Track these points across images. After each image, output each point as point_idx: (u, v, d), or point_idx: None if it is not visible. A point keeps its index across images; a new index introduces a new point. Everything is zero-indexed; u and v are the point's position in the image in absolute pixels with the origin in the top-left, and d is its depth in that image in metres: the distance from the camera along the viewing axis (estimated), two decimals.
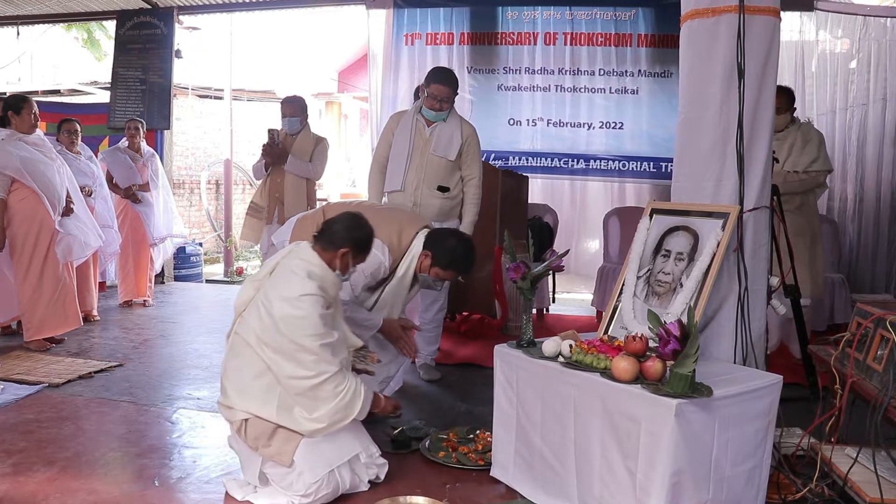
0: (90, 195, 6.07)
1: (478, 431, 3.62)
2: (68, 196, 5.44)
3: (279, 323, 2.84)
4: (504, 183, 5.95)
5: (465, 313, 6.19)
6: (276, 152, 5.53)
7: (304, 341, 2.82)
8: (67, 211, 5.39)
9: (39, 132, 5.37)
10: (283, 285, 2.92)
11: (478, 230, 4.83)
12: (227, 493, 3.03)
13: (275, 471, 2.92)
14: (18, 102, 5.25)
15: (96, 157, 6.70)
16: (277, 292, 2.90)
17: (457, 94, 4.64)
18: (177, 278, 8.85)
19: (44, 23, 9.47)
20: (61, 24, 10.20)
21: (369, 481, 3.06)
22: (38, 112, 5.31)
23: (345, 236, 3.03)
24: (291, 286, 2.89)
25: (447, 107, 4.57)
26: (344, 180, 16.11)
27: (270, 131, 5.59)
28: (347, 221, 3.09)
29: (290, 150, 5.56)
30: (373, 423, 3.80)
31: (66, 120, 6.41)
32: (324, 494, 2.88)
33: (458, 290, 5.27)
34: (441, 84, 4.54)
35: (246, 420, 2.91)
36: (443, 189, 4.58)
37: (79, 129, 6.40)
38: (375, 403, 3.07)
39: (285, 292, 2.88)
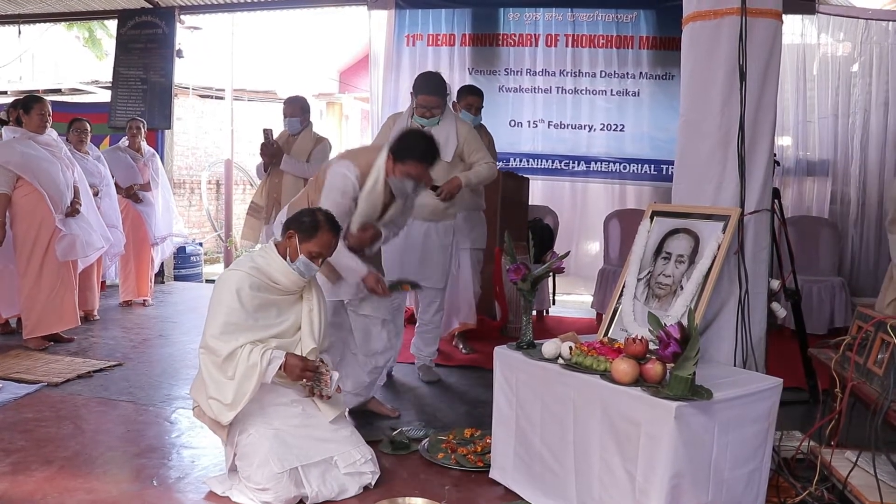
0: (97, 195, 6.07)
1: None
2: (76, 196, 5.44)
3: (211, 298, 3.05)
4: (505, 184, 5.95)
5: None
6: (270, 151, 5.53)
7: (209, 318, 2.98)
8: (73, 211, 5.39)
9: (53, 132, 5.39)
10: None
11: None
12: (209, 490, 3.04)
13: (241, 462, 2.95)
14: (29, 102, 5.32)
15: None
16: None
17: (448, 95, 4.60)
18: (177, 278, 8.85)
19: (45, 21, 9.46)
20: (62, 23, 10.20)
21: (363, 488, 3.05)
22: (49, 112, 5.35)
23: (290, 221, 3.16)
24: (231, 266, 3.13)
25: (438, 113, 4.52)
26: None
27: (265, 131, 5.60)
28: (298, 212, 3.22)
29: (291, 151, 5.56)
30: (371, 425, 3.82)
31: (77, 119, 6.43)
32: (283, 492, 2.86)
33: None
34: (429, 95, 4.48)
35: (200, 406, 3.09)
36: (437, 188, 4.54)
37: (89, 129, 6.40)
38: (288, 368, 2.97)
39: (224, 271, 3.12)
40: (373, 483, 3.06)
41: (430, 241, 4.56)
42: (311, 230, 3.07)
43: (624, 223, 6.79)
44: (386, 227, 3.76)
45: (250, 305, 2.98)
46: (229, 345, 2.89)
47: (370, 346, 3.90)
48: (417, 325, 4.83)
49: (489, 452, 3.22)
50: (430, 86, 4.54)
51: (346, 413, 3.29)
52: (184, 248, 8.94)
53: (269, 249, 3.13)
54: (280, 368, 2.93)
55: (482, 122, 5.37)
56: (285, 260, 3.07)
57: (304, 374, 2.97)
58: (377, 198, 3.63)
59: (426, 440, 3.55)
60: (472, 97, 5.24)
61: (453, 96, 7.29)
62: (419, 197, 4.49)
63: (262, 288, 3.03)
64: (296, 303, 3.18)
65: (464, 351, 5.41)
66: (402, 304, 4.55)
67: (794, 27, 7.03)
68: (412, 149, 3.56)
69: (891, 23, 6.83)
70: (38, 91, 11.22)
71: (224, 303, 2.96)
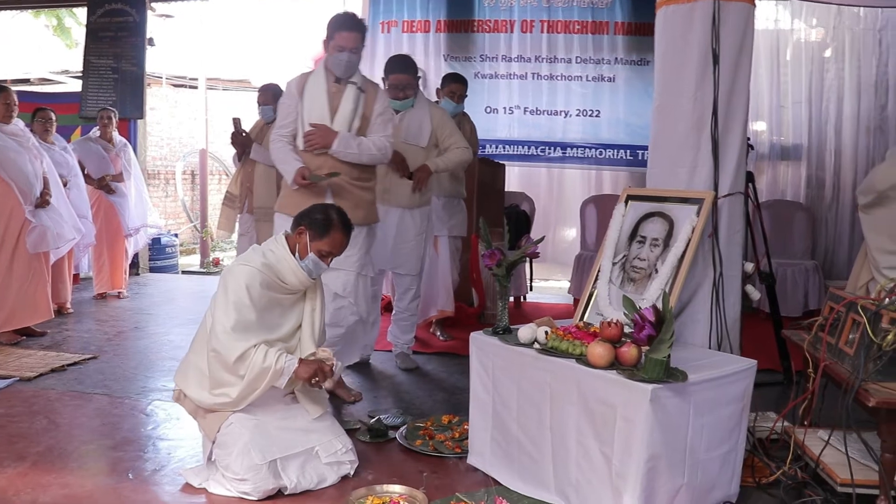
0: (65, 185, 5.99)
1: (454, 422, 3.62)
2: (45, 187, 5.36)
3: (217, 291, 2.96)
4: (481, 171, 5.93)
5: None
6: (240, 141, 5.50)
7: (219, 314, 2.88)
8: (43, 202, 5.32)
9: (20, 122, 5.31)
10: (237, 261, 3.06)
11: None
12: (186, 482, 3.00)
13: (220, 451, 2.90)
14: None
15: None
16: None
17: (419, 77, 4.56)
18: (152, 269, 8.77)
19: (11, 9, 9.31)
20: (30, 11, 10.03)
21: (341, 477, 3.02)
22: (15, 102, 5.27)
23: (302, 216, 3.08)
24: (240, 260, 3.02)
25: (410, 93, 4.50)
26: None
27: (234, 120, 5.56)
28: (310, 207, 3.15)
29: (265, 139, 5.50)
30: (339, 412, 3.82)
31: (39, 109, 6.31)
32: (262, 483, 2.82)
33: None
34: (399, 73, 4.47)
35: (182, 391, 3.06)
36: (412, 175, 4.52)
37: (53, 118, 6.28)
38: (299, 376, 2.91)
39: (233, 264, 3.01)
40: (351, 473, 3.05)
41: (404, 227, 4.54)
42: (323, 228, 3.01)
43: (600, 208, 6.81)
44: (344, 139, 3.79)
45: (259, 304, 2.92)
46: (241, 344, 2.83)
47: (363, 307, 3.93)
48: (394, 312, 4.82)
49: (467, 439, 3.22)
50: (400, 65, 4.53)
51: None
52: (159, 239, 8.86)
53: (279, 245, 3.04)
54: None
55: (465, 111, 5.34)
56: (294, 256, 3.02)
57: (317, 376, 2.92)
58: (320, 87, 3.82)
59: (404, 427, 3.54)
60: (454, 85, 5.21)
61: (429, 81, 7.29)
62: (395, 185, 4.46)
63: (271, 286, 2.97)
64: (297, 302, 3.12)
65: (441, 338, 5.41)
66: (377, 292, 4.55)
67: (768, 12, 7.08)
68: (333, 23, 3.78)
69: (862, 8, 6.87)
70: (5, 81, 11.04)
71: (234, 299, 2.87)
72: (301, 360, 2.93)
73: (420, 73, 4.60)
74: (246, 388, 2.86)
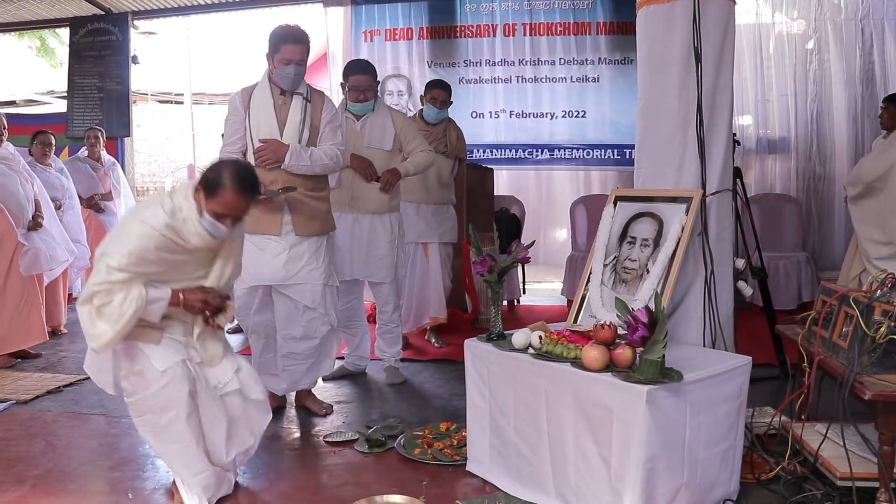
0: (59, 208, 5.97)
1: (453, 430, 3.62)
2: (37, 209, 5.35)
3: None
4: (469, 176, 5.94)
5: None
6: None
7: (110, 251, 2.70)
8: (35, 225, 5.30)
9: (10, 146, 5.29)
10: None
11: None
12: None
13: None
14: None
15: None
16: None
17: (378, 81, 4.53)
18: None
19: None
20: (12, 33, 10.00)
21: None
22: (4, 125, 5.24)
23: (202, 175, 2.82)
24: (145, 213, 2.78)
25: (371, 95, 4.43)
26: None
27: (223, 136, 5.55)
28: (209, 165, 2.86)
29: None
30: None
31: (40, 132, 6.28)
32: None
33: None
34: (359, 74, 4.41)
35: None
36: (379, 178, 4.45)
37: (52, 142, 6.26)
38: (187, 305, 2.82)
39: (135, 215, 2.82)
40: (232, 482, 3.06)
41: (375, 234, 4.47)
42: (213, 187, 2.72)
43: (590, 209, 6.83)
44: (296, 151, 3.74)
45: (155, 261, 2.74)
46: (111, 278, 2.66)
47: (289, 331, 3.89)
48: (377, 326, 4.72)
49: (465, 446, 3.22)
50: (359, 67, 4.50)
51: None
52: None
53: (188, 202, 2.76)
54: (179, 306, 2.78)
55: (449, 116, 5.32)
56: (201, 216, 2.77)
57: (207, 307, 2.83)
58: (266, 100, 3.78)
59: (402, 436, 3.54)
60: (436, 90, 5.16)
61: (413, 88, 7.29)
62: (363, 190, 4.43)
63: (169, 249, 2.74)
64: (209, 256, 2.92)
65: (437, 345, 5.40)
66: (358, 303, 4.55)
67: (749, 7, 7.11)
68: (278, 36, 3.73)
69: None
70: None
71: (130, 249, 2.67)
72: (184, 291, 2.79)
73: (379, 80, 4.57)
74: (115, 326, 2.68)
